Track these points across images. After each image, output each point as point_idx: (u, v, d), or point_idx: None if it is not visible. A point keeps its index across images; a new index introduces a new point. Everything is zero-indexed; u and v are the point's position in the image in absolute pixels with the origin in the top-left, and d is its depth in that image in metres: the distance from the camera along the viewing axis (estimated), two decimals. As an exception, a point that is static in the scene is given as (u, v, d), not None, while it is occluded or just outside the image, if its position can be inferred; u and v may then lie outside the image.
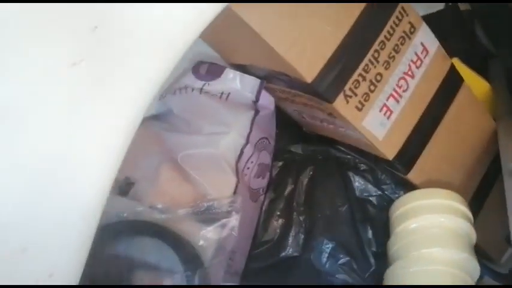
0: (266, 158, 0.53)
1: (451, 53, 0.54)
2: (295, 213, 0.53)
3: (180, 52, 0.25)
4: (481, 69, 0.63)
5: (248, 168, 0.50)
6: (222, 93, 0.51)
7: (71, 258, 0.25)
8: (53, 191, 0.22)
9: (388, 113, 0.45)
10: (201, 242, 0.42)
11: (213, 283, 0.42)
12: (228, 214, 0.45)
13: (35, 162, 0.22)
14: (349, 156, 0.53)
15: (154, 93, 0.24)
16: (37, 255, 0.24)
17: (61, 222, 0.24)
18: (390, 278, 0.46)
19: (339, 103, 0.43)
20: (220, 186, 0.47)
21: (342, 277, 0.49)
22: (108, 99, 0.23)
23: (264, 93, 0.51)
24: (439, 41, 0.49)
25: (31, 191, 0.22)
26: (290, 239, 0.52)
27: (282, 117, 0.56)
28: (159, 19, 0.24)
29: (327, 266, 0.49)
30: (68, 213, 0.24)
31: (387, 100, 0.45)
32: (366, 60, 0.43)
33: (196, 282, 0.40)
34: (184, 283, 0.42)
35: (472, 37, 0.67)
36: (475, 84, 0.60)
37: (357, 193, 0.52)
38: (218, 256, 0.43)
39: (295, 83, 0.45)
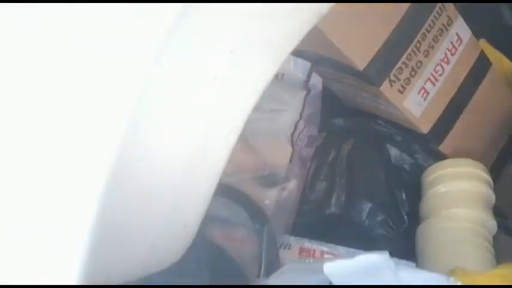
0: (314, 130, 0.61)
1: (477, 34, 0.60)
2: (337, 177, 0.62)
3: (294, 44, 0.32)
4: (507, 49, 0.69)
5: (300, 139, 0.58)
6: (277, 74, 0.58)
7: (197, 213, 0.34)
8: (198, 165, 0.31)
9: (425, 94, 0.53)
10: (267, 201, 0.51)
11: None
12: (286, 179, 0.53)
13: (189, 143, 0.30)
14: (386, 129, 0.61)
15: (268, 84, 0.32)
16: (180, 212, 0.32)
17: (197, 187, 0.32)
18: (422, 233, 0.54)
19: (385, 87, 0.50)
20: (278, 155, 0.55)
21: (379, 231, 0.57)
22: (235, 95, 0.31)
23: (313, 74, 0.59)
24: (465, 20, 0.55)
25: (185, 163, 0.30)
26: (333, 199, 0.61)
27: (325, 92, 0.63)
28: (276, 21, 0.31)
29: (366, 222, 0.58)
30: (201, 179, 0.32)
31: (425, 84, 0.52)
32: (409, 50, 0.50)
33: (265, 236, 0.49)
34: (253, 236, 0.51)
35: (498, 17, 0.72)
36: (499, 63, 0.66)
37: (393, 161, 0.60)
38: (280, 215, 0.52)
39: (345, 68, 0.52)
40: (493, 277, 0.46)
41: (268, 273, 0.47)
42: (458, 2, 0.53)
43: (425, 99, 0.53)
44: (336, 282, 0.30)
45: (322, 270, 0.31)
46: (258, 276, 0.47)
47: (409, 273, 0.31)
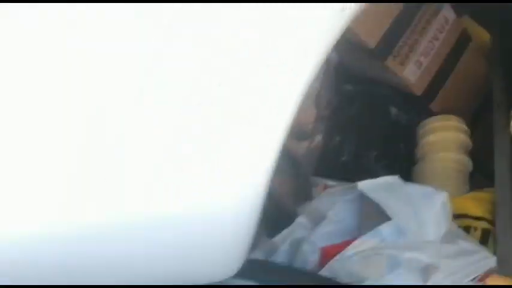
0: (331, 94, 0.76)
1: (461, 11, 0.75)
2: (349, 132, 0.77)
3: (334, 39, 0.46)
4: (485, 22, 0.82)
5: (321, 102, 0.73)
6: (302, 50, 0.73)
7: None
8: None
9: (420, 64, 0.68)
10: (300, 151, 0.67)
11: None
12: (313, 134, 0.69)
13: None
14: (387, 93, 0.76)
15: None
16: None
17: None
18: (416, 172, 0.71)
19: (389, 61, 0.65)
20: (306, 115, 0.70)
21: (383, 173, 0.73)
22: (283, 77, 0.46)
23: (330, 49, 0.73)
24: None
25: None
26: (346, 150, 0.77)
27: (338, 63, 0.78)
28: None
29: (373, 166, 0.74)
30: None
31: (420, 57, 0.67)
32: (408, 31, 0.65)
33: (302, 176, 0.65)
34: (289, 179, 0.66)
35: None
36: (479, 35, 0.81)
37: (393, 118, 0.76)
38: (309, 161, 0.68)
39: (356, 45, 0.67)
40: (466, 198, 0.63)
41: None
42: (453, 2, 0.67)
43: (419, 68, 0.68)
44: (367, 194, 0.45)
45: (355, 188, 0.47)
46: (298, 205, 0.63)
47: (412, 187, 0.46)
